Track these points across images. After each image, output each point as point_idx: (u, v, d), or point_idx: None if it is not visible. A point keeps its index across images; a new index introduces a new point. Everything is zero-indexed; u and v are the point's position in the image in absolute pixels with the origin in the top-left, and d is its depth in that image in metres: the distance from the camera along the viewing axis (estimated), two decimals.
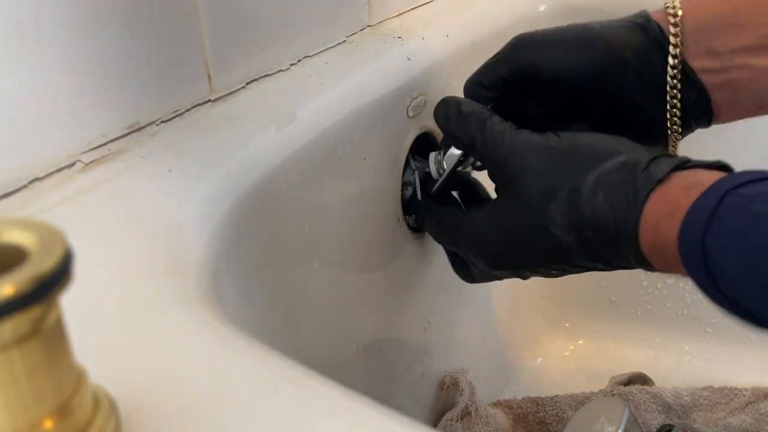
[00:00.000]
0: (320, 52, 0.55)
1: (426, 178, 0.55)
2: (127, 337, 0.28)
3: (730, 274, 0.35)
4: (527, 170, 0.43)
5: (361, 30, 0.60)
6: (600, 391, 0.69)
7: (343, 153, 0.48)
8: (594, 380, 0.71)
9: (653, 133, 0.47)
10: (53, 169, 0.38)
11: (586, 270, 0.44)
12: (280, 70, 0.52)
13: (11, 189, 0.37)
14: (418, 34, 0.59)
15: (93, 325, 0.28)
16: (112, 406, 0.22)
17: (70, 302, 0.21)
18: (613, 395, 0.65)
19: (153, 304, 0.29)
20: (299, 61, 0.53)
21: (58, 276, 0.18)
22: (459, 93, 0.57)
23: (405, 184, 0.55)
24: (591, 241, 0.41)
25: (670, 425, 0.61)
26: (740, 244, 0.35)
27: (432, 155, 0.52)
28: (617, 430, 0.53)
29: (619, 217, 0.39)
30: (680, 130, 0.47)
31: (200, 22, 0.45)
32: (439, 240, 0.52)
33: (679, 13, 0.44)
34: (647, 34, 0.45)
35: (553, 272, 0.46)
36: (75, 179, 0.39)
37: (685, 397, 0.66)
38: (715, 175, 0.38)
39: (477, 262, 0.48)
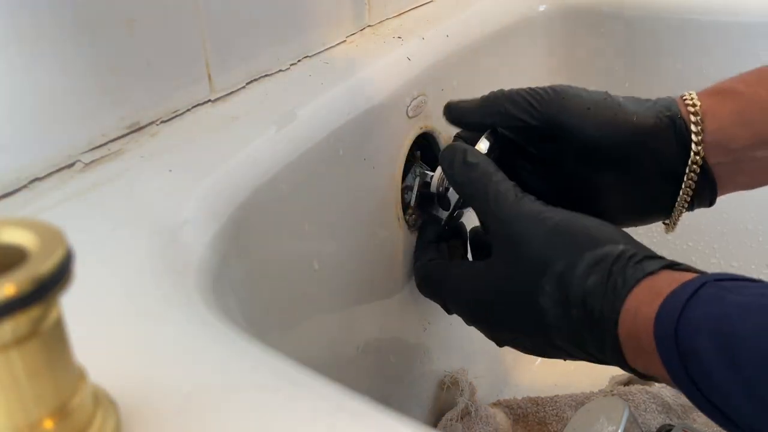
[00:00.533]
0: (320, 52, 0.55)
1: (425, 187, 0.55)
2: (127, 337, 0.28)
3: (702, 358, 0.36)
4: (529, 239, 0.43)
5: (361, 30, 0.60)
6: (600, 391, 0.69)
7: (343, 153, 0.48)
8: (594, 380, 0.71)
9: (658, 210, 0.51)
10: (53, 169, 0.38)
11: (557, 355, 0.44)
12: (280, 70, 0.52)
13: (11, 189, 0.37)
14: (418, 34, 0.59)
15: (93, 325, 0.28)
16: (112, 406, 0.22)
17: (70, 302, 0.21)
18: (613, 395, 0.65)
19: (153, 304, 0.29)
20: (299, 61, 0.54)
21: (58, 276, 0.18)
22: (459, 93, 0.57)
23: (406, 189, 0.55)
24: (574, 320, 0.41)
25: (670, 425, 0.61)
26: (712, 329, 0.36)
27: (439, 170, 0.53)
28: (617, 430, 0.53)
29: (605, 301, 0.40)
30: (685, 210, 0.50)
31: (200, 22, 0.45)
32: (420, 289, 0.53)
33: (699, 112, 0.47)
34: (674, 127, 0.47)
35: (526, 344, 0.46)
36: (75, 179, 0.39)
37: (685, 397, 0.66)
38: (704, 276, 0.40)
39: (455, 311, 0.49)
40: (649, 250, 0.43)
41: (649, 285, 0.40)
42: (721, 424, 0.37)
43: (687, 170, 0.47)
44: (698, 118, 0.47)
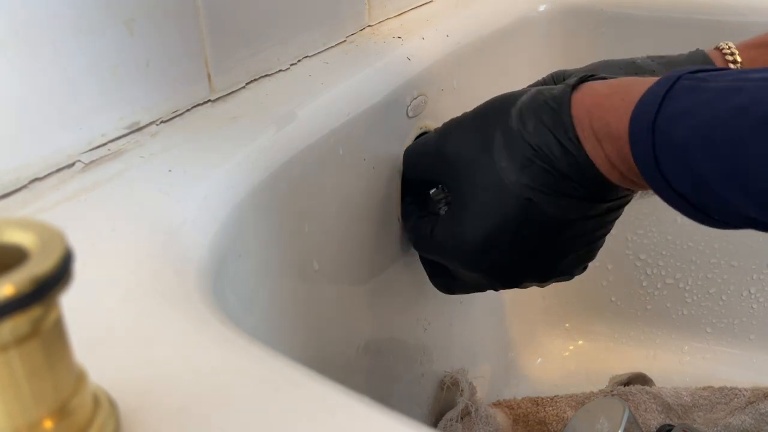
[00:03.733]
0: (320, 52, 0.55)
1: None
2: (127, 337, 0.28)
3: (677, 146, 0.36)
4: (457, 142, 0.45)
5: (361, 30, 0.60)
6: (600, 391, 0.69)
7: (343, 153, 0.48)
8: (594, 380, 0.71)
9: None
10: (53, 169, 0.38)
11: (565, 226, 0.43)
12: (280, 70, 0.52)
13: (11, 189, 0.37)
14: (418, 34, 0.59)
15: (93, 325, 0.28)
16: (112, 406, 0.22)
17: (70, 302, 0.21)
18: (613, 395, 0.65)
19: (153, 304, 0.29)
20: (299, 61, 0.53)
21: (58, 276, 0.18)
22: (459, 93, 0.58)
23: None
24: (541, 171, 0.41)
25: (670, 425, 0.61)
26: (689, 117, 0.35)
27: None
28: (617, 430, 0.53)
29: (553, 128, 0.41)
30: None
31: (200, 22, 0.45)
32: (416, 248, 0.53)
33: (738, 61, 0.47)
34: None
35: (531, 245, 0.44)
36: (75, 179, 0.39)
37: (685, 397, 0.66)
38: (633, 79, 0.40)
39: (455, 267, 0.49)
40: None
41: (584, 94, 0.41)
42: (690, 215, 0.37)
43: None
44: (738, 67, 0.46)
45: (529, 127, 0.42)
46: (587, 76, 0.43)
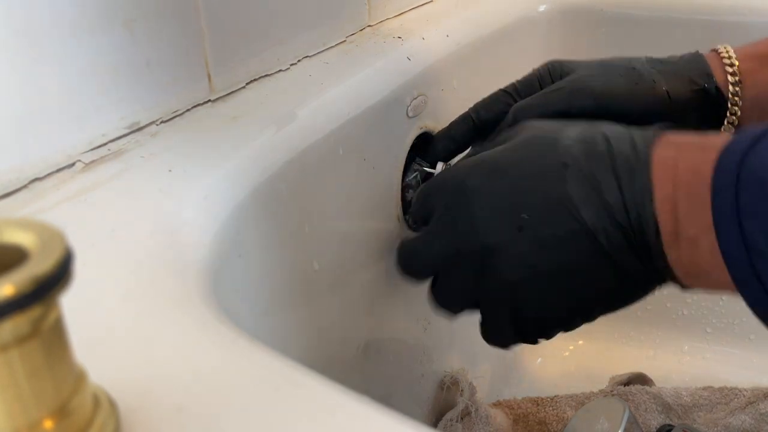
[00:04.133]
0: (320, 52, 0.55)
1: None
2: (127, 337, 0.28)
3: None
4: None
5: (361, 30, 0.60)
6: (600, 391, 0.69)
7: (343, 153, 0.48)
8: (594, 380, 0.71)
9: None
10: (53, 169, 0.38)
11: (604, 275, 0.39)
12: (280, 70, 0.52)
13: (11, 189, 0.37)
14: (418, 34, 0.59)
15: (93, 325, 0.28)
16: (112, 406, 0.22)
17: (70, 302, 0.21)
18: (613, 395, 0.65)
19: (153, 304, 0.29)
20: (299, 61, 0.53)
21: (58, 276, 0.18)
22: (459, 93, 0.58)
23: (406, 187, 0.55)
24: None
25: (670, 425, 0.61)
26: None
27: (440, 164, 0.53)
28: (617, 430, 0.53)
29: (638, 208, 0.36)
30: None
31: (200, 22, 0.45)
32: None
33: (737, 72, 0.46)
34: (708, 96, 0.46)
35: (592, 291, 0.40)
36: (75, 179, 0.39)
37: (685, 397, 0.66)
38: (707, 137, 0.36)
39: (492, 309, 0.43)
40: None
41: (665, 149, 0.36)
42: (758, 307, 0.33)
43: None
44: (738, 89, 0.45)
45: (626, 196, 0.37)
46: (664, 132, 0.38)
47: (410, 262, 0.46)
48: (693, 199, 0.34)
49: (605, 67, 0.48)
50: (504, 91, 0.51)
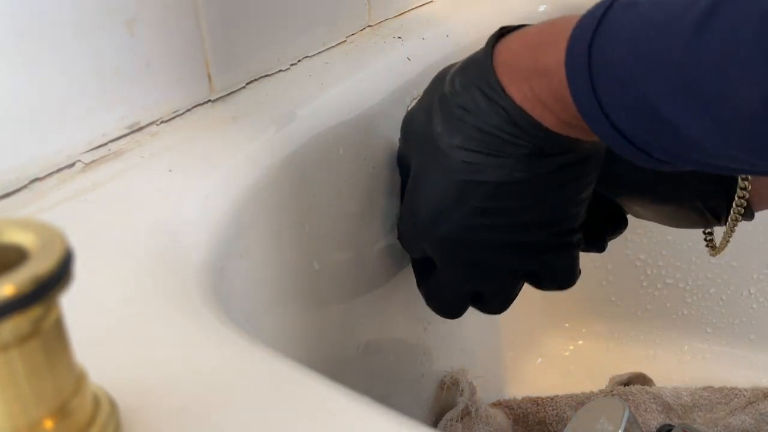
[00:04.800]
0: (320, 52, 0.55)
1: None
2: (127, 337, 0.28)
3: (614, 65, 0.33)
4: (410, 122, 0.46)
5: (361, 30, 0.60)
6: (600, 391, 0.69)
7: (343, 153, 0.48)
8: (594, 380, 0.71)
9: (694, 225, 0.51)
10: (53, 169, 0.38)
11: (508, 189, 0.40)
12: (280, 70, 0.52)
13: (11, 189, 0.37)
14: (418, 34, 0.59)
15: (93, 325, 0.28)
16: (112, 406, 0.22)
17: (70, 302, 0.21)
18: (613, 395, 0.65)
19: (153, 304, 0.29)
20: (299, 61, 0.53)
21: (58, 276, 0.18)
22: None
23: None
24: (473, 129, 0.40)
25: (670, 425, 0.61)
26: (628, 30, 0.32)
27: None
28: (617, 430, 0.53)
29: (477, 80, 0.39)
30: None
31: (200, 22, 0.45)
32: (398, 239, 0.52)
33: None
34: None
35: (482, 212, 0.42)
36: (75, 179, 0.39)
37: (685, 397, 0.66)
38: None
39: (419, 248, 0.47)
40: None
41: (507, 42, 0.40)
42: (629, 154, 0.35)
43: (731, 218, 0.47)
44: (746, 183, 0.46)
45: (457, 85, 0.40)
46: (512, 26, 0.41)
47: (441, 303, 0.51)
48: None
49: None
50: None
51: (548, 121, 0.38)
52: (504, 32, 0.41)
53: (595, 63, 0.33)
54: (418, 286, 0.53)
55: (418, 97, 0.55)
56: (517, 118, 0.38)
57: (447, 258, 0.46)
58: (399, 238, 0.51)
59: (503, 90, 0.38)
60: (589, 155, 0.41)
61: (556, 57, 0.36)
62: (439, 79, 0.44)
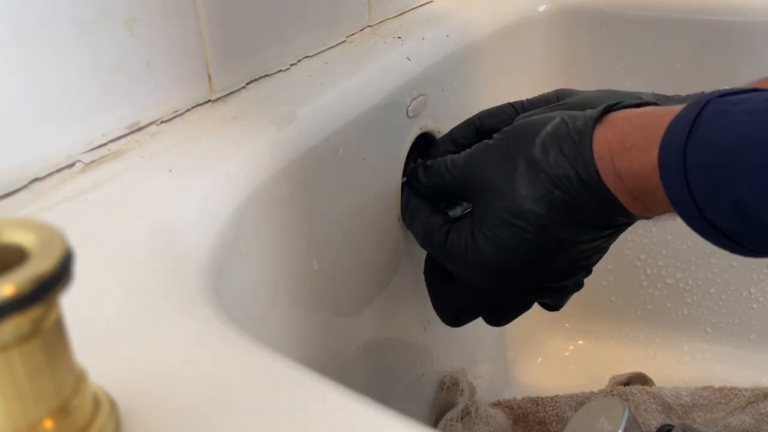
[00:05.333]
0: (320, 52, 0.55)
1: None
2: (127, 337, 0.28)
3: (712, 170, 0.35)
4: (483, 167, 0.45)
5: (361, 30, 0.60)
6: (600, 391, 0.69)
7: (343, 153, 0.48)
8: (594, 380, 0.71)
9: None
10: (53, 169, 0.38)
11: (574, 246, 0.44)
12: (280, 70, 0.52)
13: (11, 189, 0.37)
14: (418, 34, 0.59)
15: (93, 325, 0.28)
16: (112, 406, 0.22)
17: (70, 302, 0.21)
18: (613, 395, 0.65)
19: (153, 304, 0.29)
20: (299, 61, 0.53)
21: (58, 276, 0.18)
22: (459, 93, 0.57)
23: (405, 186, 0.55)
24: (560, 201, 0.42)
25: (670, 425, 0.61)
26: (720, 139, 0.35)
27: None
28: (617, 430, 0.53)
29: (574, 162, 0.41)
30: None
31: (200, 22, 0.45)
32: (424, 246, 0.52)
33: None
34: None
35: (540, 264, 0.45)
36: (75, 179, 0.39)
37: (685, 397, 0.66)
38: (657, 108, 0.40)
39: (467, 278, 0.48)
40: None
41: (607, 128, 0.41)
42: (721, 244, 0.37)
43: None
44: None
45: (551, 158, 0.42)
46: (611, 105, 0.42)
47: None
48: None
49: (612, 93, 0.49)
50: (511, 105, 0.53)
51: (635, 209, 0.41)
52: (607, 110, 0.42)
53: (690, 166, 0.36)
54: (428, 286, 0.53)
55: (420, 97, 0.55)
56: (607, 204, 0.41)
57: (481, 287, 0.48)
58: (423, 240, 0.51)
59: (600, 179, 0.41)
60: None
61: (649, 160, 0.38)
62: (523, 138, 0.44)
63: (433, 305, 0.53)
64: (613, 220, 0.43)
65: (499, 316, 0.52)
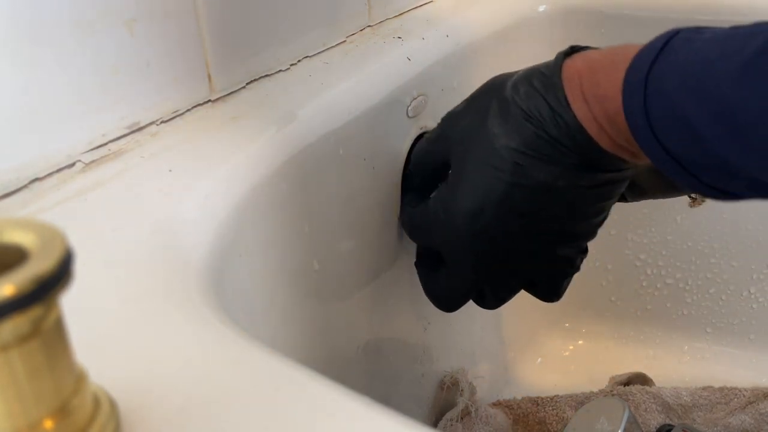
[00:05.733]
0: (320, 52, 0.55)
1: None
2: (127, 337, 0.28)
3: (667, 95, 0.35)
4: (458, 121, 0.46)
5: (361, 30, 0.60)
6: (600, 391, 0.69)
7: (343, 153, 0.48)
8: (594, 380, 0.71)
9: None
10: (53, 169, 0.38)
11: (554, 196, 0.43)
12: (280, 70, 0.52)
13: (11, 189, 0.37)
14: (418, 34, 0.59)
15: (93, 325, 0.28)
16: (112, 406, 0.22)
17: (70, 302, 0.21)
18: (613, 395, 0.65)
19: (153, 304, 0.29)
20: (299, 61, 0.53)
21: (58, 276, 0.18)
22: (459, 93, 0.57)
23: None
24: (532, 134, 0.42)
25: (669, 425, 0.61)
26: (683, 64, 0.35)
27: None
28: (617, 430, 0.53)
29: (544, 92, 0.42)
30: None
31: (200, 22, 0.45)
32: (410, 235, 0.53)
33: None
34: None
35: (519, 212, 0.44)
36: (75, 179, 0.39)
37: (684, 397, 0.66)
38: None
39: (444, 246, 0.48)
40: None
41: (577, 60, 0.42)
42: (680, 178, 0.37)
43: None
44: None
45: (522, 92, 0.43)
46: (580, 46, 0.43)
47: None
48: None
49: None
50: None
51: (603, 140, 0.41)
52: (573, 51, 0.43)
53: (650, 91, 0.36)
54: (420, 275, 0.53)
55: (420, 97, 0.55)
56: (576, 133, 0.41)
57: (467, 255, 0.47)
58: (408, 226, 0.52)
59: (568, 105, 0.41)
60: (626, 177, 0.44)
61: (615, 83, 0.38)
62: (496, 84, 0.45)
63: (426, 293, 0.53)
64: (589, 163, 0.42)
65: (488, 299, 0.51)
